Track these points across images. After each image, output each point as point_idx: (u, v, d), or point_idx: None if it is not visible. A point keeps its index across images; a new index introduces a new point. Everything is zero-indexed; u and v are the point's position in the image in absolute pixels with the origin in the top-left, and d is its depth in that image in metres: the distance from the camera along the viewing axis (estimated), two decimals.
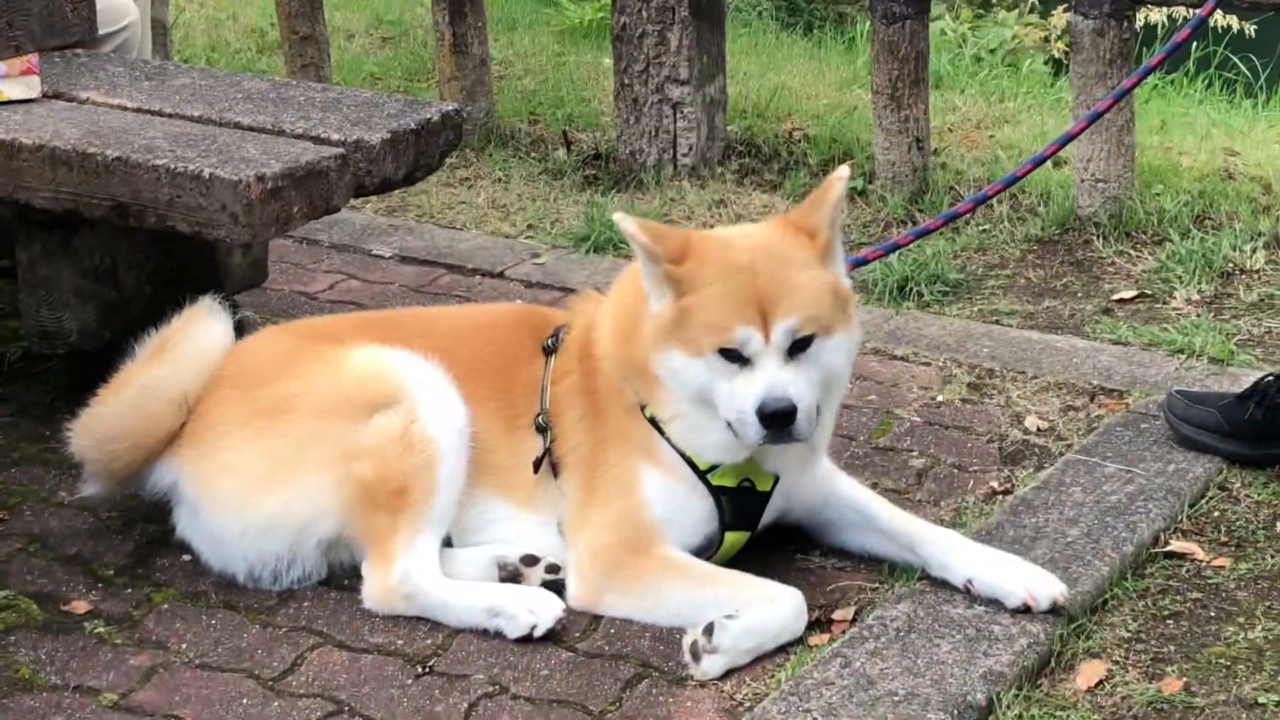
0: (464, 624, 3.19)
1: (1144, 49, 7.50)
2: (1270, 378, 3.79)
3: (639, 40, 5.74)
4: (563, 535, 3.32)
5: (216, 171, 3.60)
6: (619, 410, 3.29)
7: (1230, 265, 4.98)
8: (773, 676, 3.04)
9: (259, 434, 3.32)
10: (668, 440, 3.23)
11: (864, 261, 3.88)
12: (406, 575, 3.20)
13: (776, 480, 3.30)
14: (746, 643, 3.07)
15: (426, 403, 3.28)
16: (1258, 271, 4.95)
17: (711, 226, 5.41)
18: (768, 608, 3.12)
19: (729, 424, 3.13)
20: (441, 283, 5.07)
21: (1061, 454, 3.89)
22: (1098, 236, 5.25)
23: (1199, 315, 4.69)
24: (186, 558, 3.45)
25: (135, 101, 4.12)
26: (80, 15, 4.16)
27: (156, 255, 4.13)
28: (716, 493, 3.26)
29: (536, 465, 3.33)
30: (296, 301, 4.86)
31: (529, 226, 5.57)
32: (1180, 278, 4.92)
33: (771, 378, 3.05)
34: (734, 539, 3.31)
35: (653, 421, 3.23)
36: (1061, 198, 5.40)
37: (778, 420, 3.05)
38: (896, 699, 2.91)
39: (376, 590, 3.23)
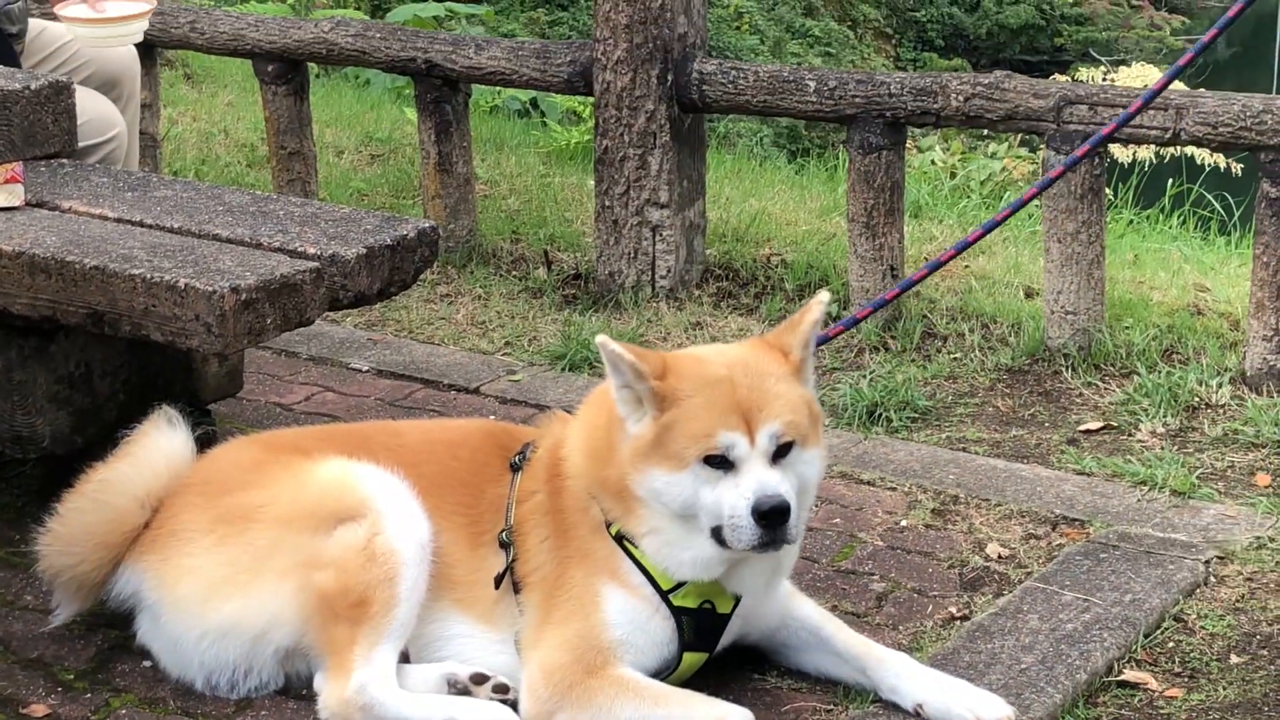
0: None
1: (1120, 184, 7.64)
2: None
3: (620, 164, 5.83)
4: (519, 653, 3.35)
5: (192, 282, 3.66)
6: (584, 530, 3.33)
7: (1196, 400, 5.04)
8: None
9: (221, 541, 3.36)
10: (633, 559, 3.27)
11: (827, 339, 3.95)
12: (363, 687, 3.21)
13: (737, 602, 3.33)
14: None
15: (391, 516, 3.32)
16: (1223, 406, 5.01)
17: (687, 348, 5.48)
18: None
19: (716, 534, 3.15)
20: (417, 397, 5.13)
21: (1021, 581, 3.93)
22: (1066, 368, 5.31)
23: (1163, 448, 4.74)
24: (147, 664, 3.48)
25: (116, 211, 4.19)
26: (60, 126, 4.24)
27: (132, 363, 4.19)
28: (678, 613, 3.29)
29: (498, 581, 3.36)
30: (272, 412, 4.91)
31: (506, 344, 5.63)
32: (1146, 411, 4.97)
33: (762, 476, 3.11)
34: (692, 660, 3.33)
35: (619, 539, 3.27)
36: (1032, 328, 5.47)
37: (772, 518, 3.09)
38: None
39: (333, 701, 3.25)
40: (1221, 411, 4.99)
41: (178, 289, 3.67)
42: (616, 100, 5.78)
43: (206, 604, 3.32)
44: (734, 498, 3.11)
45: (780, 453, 3.15)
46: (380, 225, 4.13)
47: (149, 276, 3.71)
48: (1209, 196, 7.64)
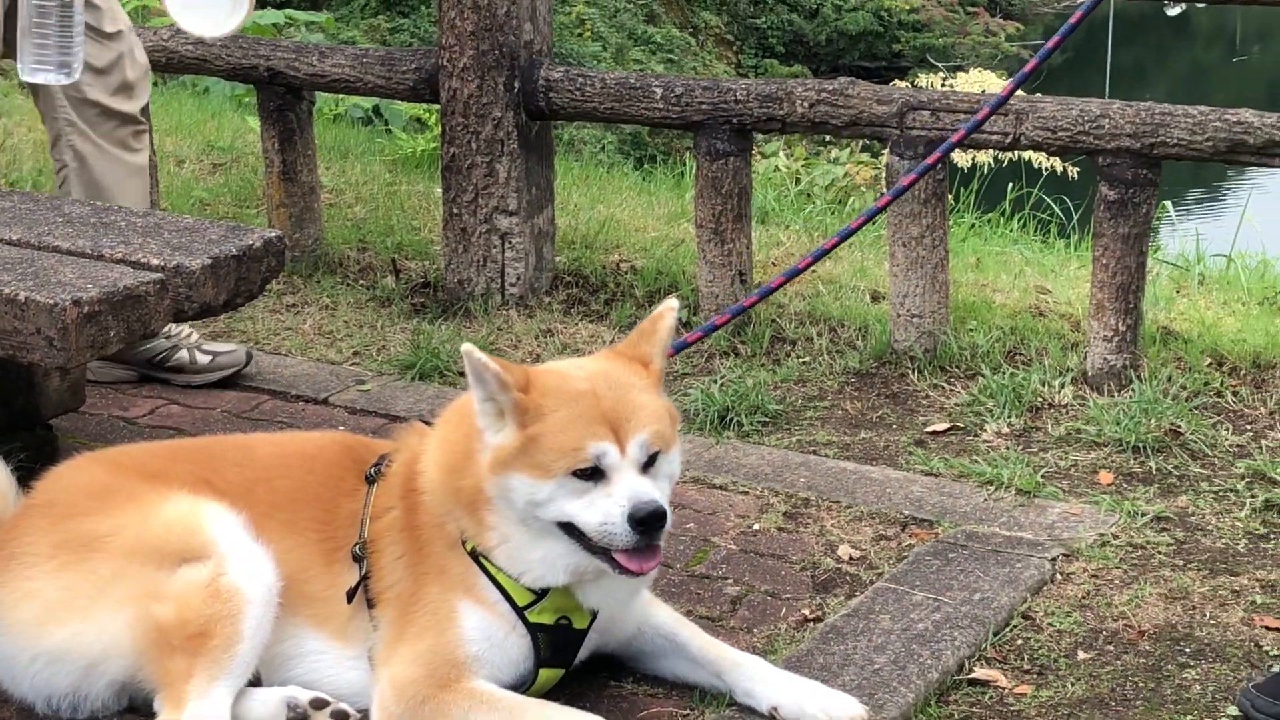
0: None
1: (961, 189, 7.76)
2: None
3: (468, 171, 5.81)
4: (372, 669, 3.32)
5: (32, 295, 3.59)
6: (440, 545, 3.30)
7: (1039, 400, 5.12)
8: None
9: (63, 566, 3.28)
10: (489, 576, 3.25)
11: (685, 345, 3.97)
12: None
13: (594, 617, 3.33)
14: None
15: (236, 558, 3.24)
16: (1065, 406, 5.09)
17: (539, 355, 5.48)
18: None
19: (585, 539, 3.14)
20: (264, 408, 5.07)
21: (872, 582, 3.96)
22: (913, 370, 5.38)
23: (1008, 448, 4.81)
24: None
25: None
26: None
27: None
28: (534, 630, 3.28)
29: (350, 595, 3.32)
30: (115, 426, 4.83)
31: (355, 353, 5.59)
32: (991, 411, 5.05)
33: (636, 485, 3.11)
34: (548, 676, 3.32)
35: (474, 556, 3.25)
36: (879, 332, 5.53)
37: (649, 524, 3.09)
38: None
39: None
40: (1064, 411, 5.07)
41: (18, 302, 3.60)
42: (463, 108, 5.76)
43: (42, 628, 3.25)
44: (608, 505, 3.10)
45: (649, 462, 3.15)
46: (225, 235, 4.07)
47: None
48: (1048, 200, 7.77)
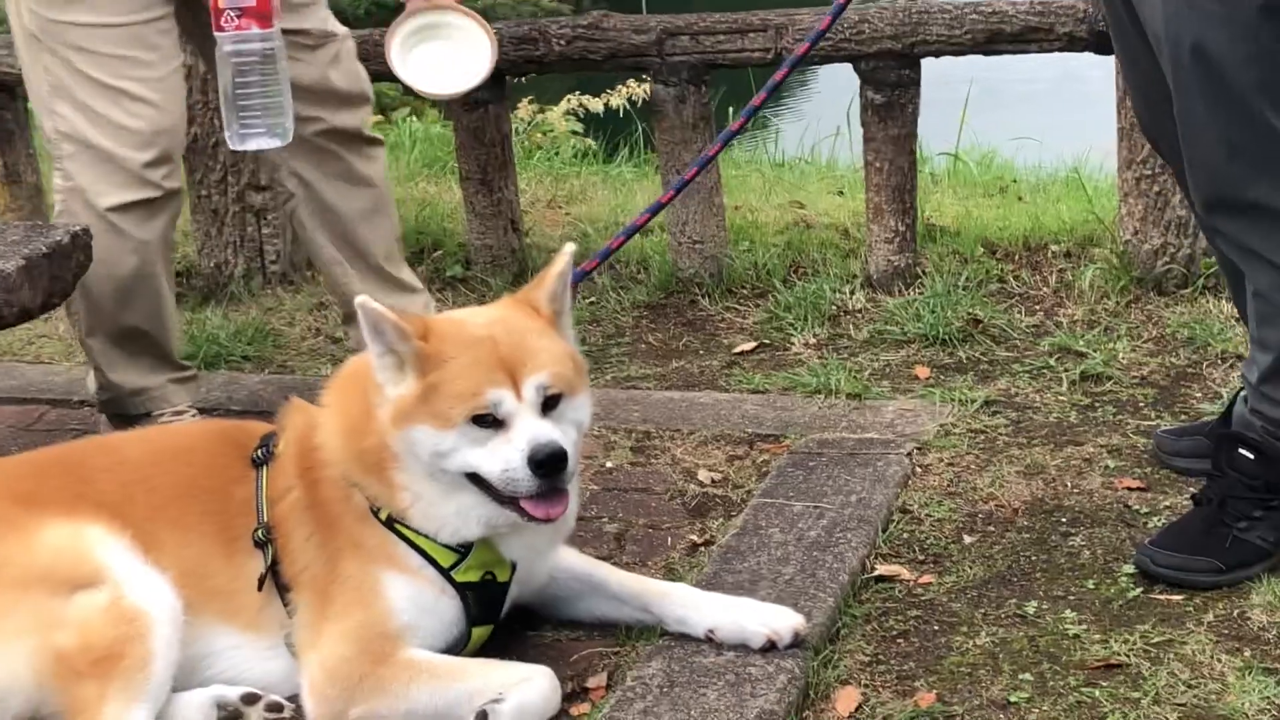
0: None
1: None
2: (1241, 391, 3.79)
3: (213, 149, 5.60)
4: (295, 657, 3.18)
5: None
6: (350, 519, 3.17)
7: (835, 308, 5.18)
8: None
9: None
10: (409, 542, 3.15)
11: (585, 274, 3.91)
12: None
13: (514, 569, 3.25)
14: None
15: (132, 580, 3.06)
16: (861, 310, 5.17)
17: (319, 330, 5.33)
18: (527, 687, 3.05)
19: (493, 490, 3.06)
20: (49, 419, 4.82)
21: (744, 501, 3.96)
22: (703, 295, 5.40)
23: (821, 357, 4.86)
24: None
25: None
26: None
27: None
28: (462, 590, 3.18)
29: (261, 582, 3.18)
30: None
31: None
32: (793, 325, 5.09)
33: (534, 428, 3.03)
34: (480, 634, 3.23)
35: (389, 524, 3.14)
36: (660, 263, 5.52)
37: (550, 466, 3.01)
38: None
39: None
40: (862, 315, 5.15)
41: None
42: (201, 84, 5.54)
43: None
44: (508, 451, 3.02)
45: (550, 403, 3.08)
46: (28, 234, 3.83)
47: None
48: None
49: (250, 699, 3.10)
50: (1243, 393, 3.70)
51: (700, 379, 4.82)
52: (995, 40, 5.13)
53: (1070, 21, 5.05)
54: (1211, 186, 3.35)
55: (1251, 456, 3.48)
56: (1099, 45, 5.06)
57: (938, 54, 5.20)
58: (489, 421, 3.03)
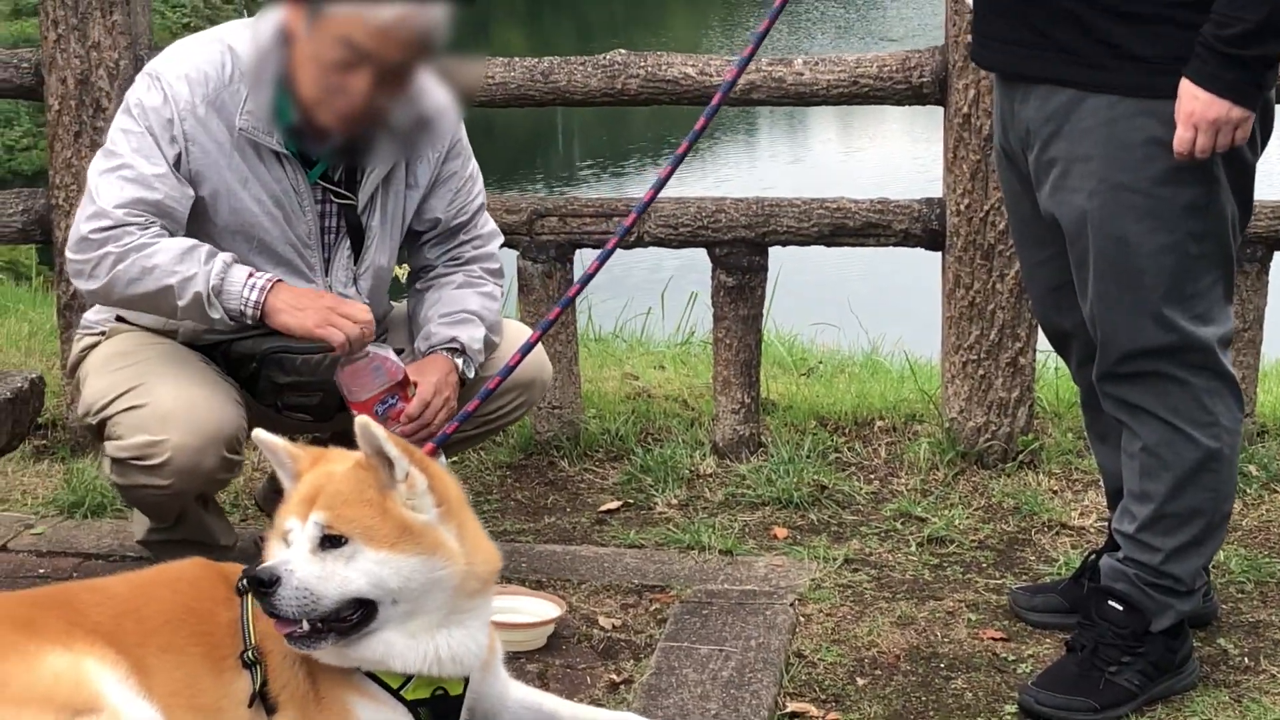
0: None
1: None
2: (1092, 555, 4.32)
3: (80, 310, 5.80)
4: None
5: None
6: None
7: (689, 472, 5.59)
8: None
9: None
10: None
11: (465, 418, 4.25)
12: None
13: (466, 683, 3.54)
14: None
15: (127, 709, 3.25)
16: (713, 474, 5.58)
17: None
18: None
19: None
20: None
21: (648, 644, 4.30)
22: (561, 457, 5.75)
23: (684, 517, 5.25)
24: None
25: None
26: None
27: None
28: (414, 707, 3.46)
29: (252, 700, 3.42)
30: None
31: None
32: (653, 487, 5.47)
33: (279, 556, 3.36)
34: None
35: None
36: (520, 426, 5.86)
37: (255, 585, 3.30)
38: None
39: None
40: (714, 479, 5.56)
41: None
42: None
43: None
44: None
45: (331, 543, 3.35)
46: None
47: None
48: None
49: None
50: (1100, 552, 4.21)
51: (574, 534, 5.17)
52: (839, 234, 5.65)
53: (906, 219, 5.60)
54: (1115, 356, 3.87)
55: (1120, 608, 3.97)
56: (931, 242, 5.61)
57: (785, 243, 5.69)
58: (288, 544, 3.39)
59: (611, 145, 21.14)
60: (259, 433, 3.53)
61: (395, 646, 3.40)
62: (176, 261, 4.14)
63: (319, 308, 4.18)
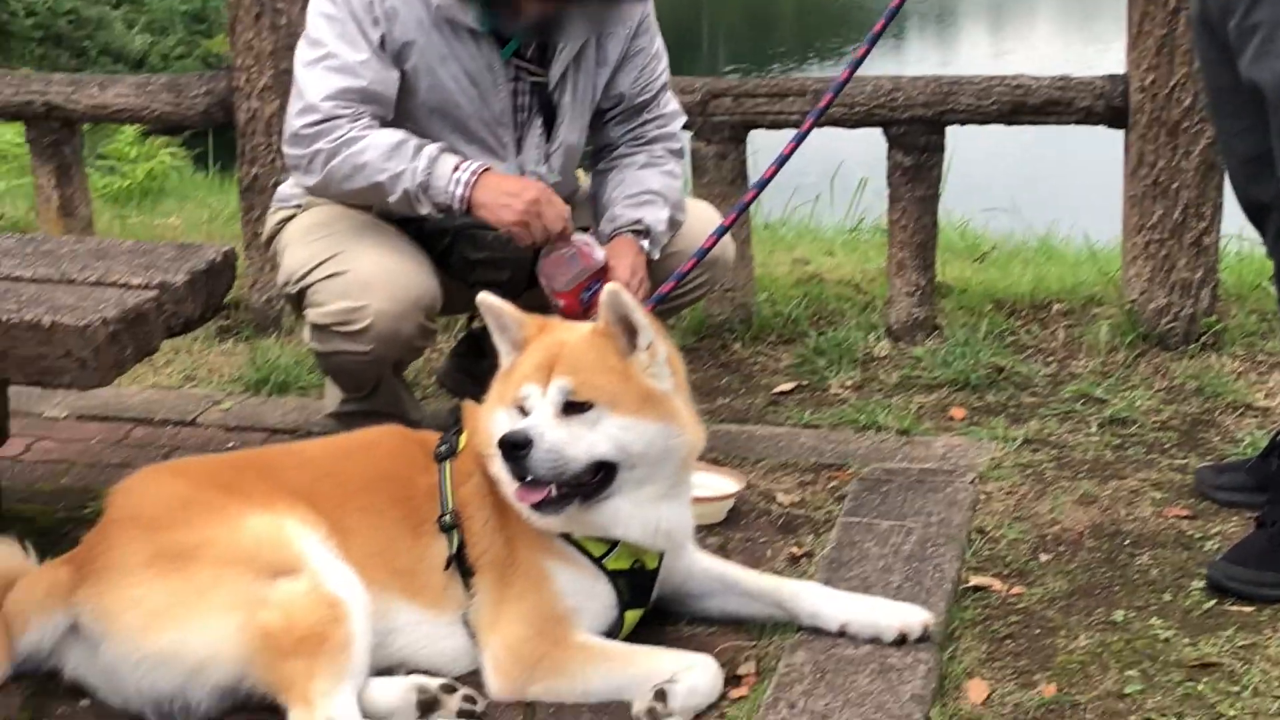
0: None
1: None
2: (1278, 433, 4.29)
3: (273, 189, 5.86)
4: (473, 634, 3.47)
5: (59, 319, 3.58)
6: (515, 509, 3.49)
7: (863, 355, 5.56)
8: None
9: (162, 574, 3.30)
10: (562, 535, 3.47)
11: (663, 296, 4.31)
12: (330, 719, 3.17)
13: (661, 557, 3.57)
14: (691, 702, 3.32)
15: (328, 571, 3.34)
16: (887, 357, 5.55)
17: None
18: (695, 673, 3.36)
19: None
20: (137, 435, 5.05)
21: (827, 520, 4.30)
22: (734, 340, 5.75)
23: (858, 398, 5.23)
24: (84, 702, 3.40)
25: None
26: None
27: None
28: (613, 576, 3.50)
29: (448, 564, 3.47)
30: (2, 466, 4.74)
31: (186, 377, 5.60)
32: (827, 369, 5.46)
33: (526, 420, 3.37)
34: (633, 617, 3.55)
35: None
36: (693, 309, 5.86)
37: (509, 449, 3.32)
38: None
39: None
40: (889, 361, 5.53)
41: (42, 327, 3.58)
42: (265, 127, 5.82)
43: (146, 631, 3.27)
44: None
45: (574, 409, 3.38)
46: (180, 253, 4.11)
47: (4, 319, 3.59)
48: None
49: (449, 689, 3.35)
50: None
51: (748, 415, 5.17)
52: (1019, 112, 5.56)
53: (1089, 97, 5.50)
54: None
55: None
56: (1114, 120, 5.51)
57: (964, 122, 5.62)
58: (525, 411, 3.40)
59: (755, 51, 20.98)
60: (485, 296, 3.54)
61: (622, 514, 3.45)
62: (385, 158, 4.18)
63: (519, 205, 4.20)
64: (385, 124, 4.28)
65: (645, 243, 4.43)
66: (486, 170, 4.21)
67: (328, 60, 4.24)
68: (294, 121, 4.26)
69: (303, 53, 4.31)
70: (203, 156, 9.46)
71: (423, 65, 4.27)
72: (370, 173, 4.18)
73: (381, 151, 4.17)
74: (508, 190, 4.20)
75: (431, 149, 4.19)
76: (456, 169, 4.18)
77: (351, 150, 4.19)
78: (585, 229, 4.50)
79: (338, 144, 4.20)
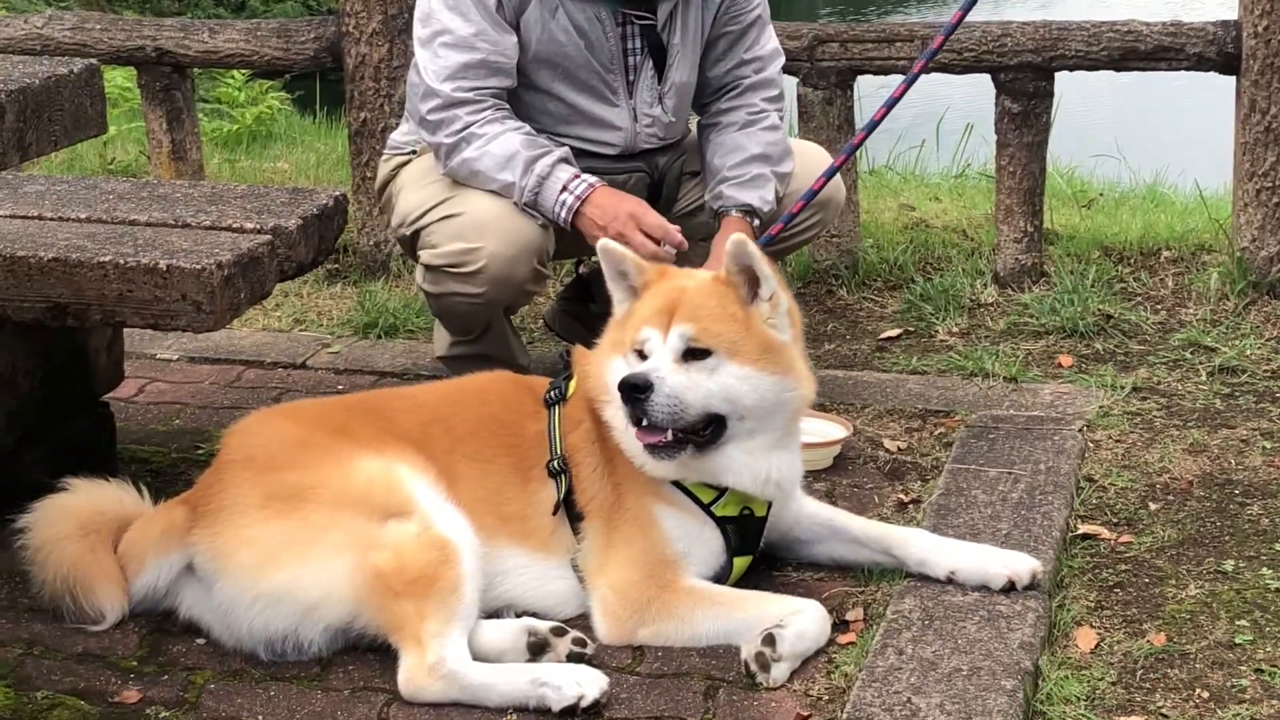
0: (507, 700, 3.21)
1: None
2: None
3: (382, 135, 5.90)
4: (581, 578, 3.50)
5: (175, 262, 3.63)
6: (624, 455, 3.51)
7: (970, 301, 5.53)
8: (832, 673, 3.32)
9: (276, 515, 3.36)
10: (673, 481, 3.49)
11: (772, 239, 4.32)
12: (442, 659, 3.22)
13: (770, 505, 3.58)
14: (799, 647, 3.34)
15: (438, 514, 3.38)
16: (994, 304, 5.52)
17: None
18: (803, 617, 3.38)
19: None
20: (248, 378, 5.12)
21: (935, 467, 4.30)
22: (839, 286, 5.73)
23: (965, 345, 5.20)
24: (200, 641, 3.47)
25: (5, 209, 4.08)
26: (96, 110, 3.81)
27: (42, 360, 4.09)
28: (722, 523, 3.52)
29: (556, 508, 3.50)
30: (117, 408, 4.80)
31: (296, 320, 5.65)
32: (933, 315, 5.43)
33: (648, 364, 3.39)
34: (741, 563, 3.57)
35: None
36: (798, 254, 5.85)
37: (630, 391, 3.34)
38: (964, 673, 3.23)
39: (413, 671, 3.23)
40: (995, 308, 5.50)
41: (159, 271, 3.64)
42: (374, 72, 5.85)
43: (262, 570, 3.33)
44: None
45: (695, 354, 3.40)
46: (293, 198, 4.16)
47: (122, 262, 3.65)
48: None
49: (559, 631, 3.39)
50: None
51: (855, 361, 5.16)
52: (1129, 58, 5.50)
53: (1200, 43, 5.43)
54: None
55: None
56: (1225, 66, 5.44)
57: (1074, 69, 5.56)
58: (643, 356, 3.42)
59: None
60: (606, 241, 3.59)
61: (735, 462, 3.47)
62: (498, 168, 4.23)
63: (618, 226, 4.18)
64: (508, 95, 4.32)
65: (755, 222, 4.44)
66: (596, 189, 4.23)
67: (442, 37, 4.27)
68: (420, 106, 4.31)
69: (417, 28, 4.35)
70: (304, 100, 9.52)
71: (534, 18, 4.28)
72: (484, 180, 4.26)
73: (495, 161, 4.23)
74: (608, 208, 4.22)
75: (542, 165, 4.21)
76: (564, 190, 4.22)
77: (467, 154, 4.25)
78: (695, 174, 4.52)
79: (457, 140, 4.26)
